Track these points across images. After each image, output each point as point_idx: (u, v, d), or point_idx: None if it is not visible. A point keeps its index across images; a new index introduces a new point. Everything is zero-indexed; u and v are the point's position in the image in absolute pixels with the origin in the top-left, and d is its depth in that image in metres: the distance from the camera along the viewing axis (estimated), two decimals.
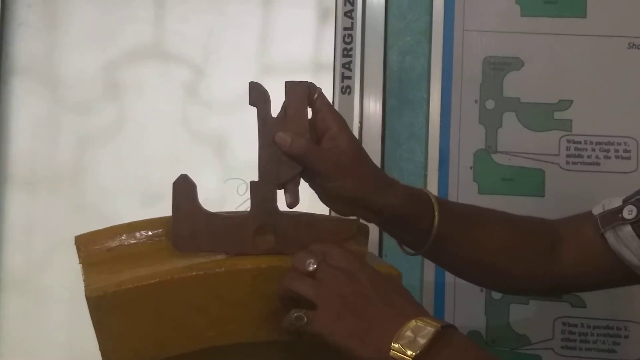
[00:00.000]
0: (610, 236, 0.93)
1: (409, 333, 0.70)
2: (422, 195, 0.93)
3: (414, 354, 0.68)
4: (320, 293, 0.75)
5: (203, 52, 1.64)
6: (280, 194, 0.86)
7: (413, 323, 0.71)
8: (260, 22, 1.63)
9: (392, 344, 0.70)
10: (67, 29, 1.66)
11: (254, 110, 0.85)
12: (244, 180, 1.57)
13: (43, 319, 1.65)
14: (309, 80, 0.88)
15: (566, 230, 0.99)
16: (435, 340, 0.69)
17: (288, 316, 0.75)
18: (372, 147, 1.47)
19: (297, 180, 0.86)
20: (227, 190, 1.58)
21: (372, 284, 0.76)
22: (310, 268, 0.77)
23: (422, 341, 0.69)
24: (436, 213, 0.91)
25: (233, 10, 1.64)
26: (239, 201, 1.55)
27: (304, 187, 0.88)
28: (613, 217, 0.93)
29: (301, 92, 0.86)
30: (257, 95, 0.85)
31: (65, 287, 1.61)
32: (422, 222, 0.91)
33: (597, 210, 0.96)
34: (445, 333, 0.71)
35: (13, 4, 1.65)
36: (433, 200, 0.92)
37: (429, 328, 0.70)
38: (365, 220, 0.92)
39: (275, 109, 0.86)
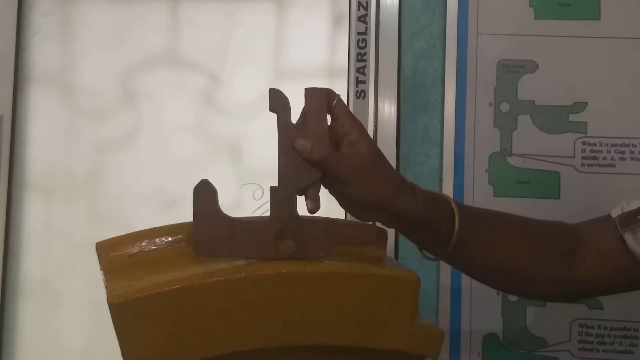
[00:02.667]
0: (629, 237, 0.93)
1: None
2: (442, 200, 0.93)
3: None
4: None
5: (218, 58, 1.65)
6: (300, 199, 0.87)
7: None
8: (275, 28, 1.64)
9: None
10: (83, 37, 1.67)
11: (270, 115, 0.86)
12: (259, 185, 1.57)
13: (60, 325, 1.65)
14: (324, 86, 0.88)
15: (586, 233, 0.98)
16: None
17: None
18: (387, 151, 1.44)
19: (317, 185, 0.87)
20: (243, 195, 1.59)
21: None
22: None
23: None
24: (456, 218, 0.91)
25: (247, 17, 1.64)
26: (255, 206, 1.56)
27: (321, 192, 0.88)
28: (632, 219, 0.93)
29: (320, 99, 0.87)
30: (277, 101, 0.85)
31: (82, 293, 1.62)
32: (442, 227, 0.91)
33: (615, 213, 0.96)
34: None
35: (29, 13, 1.66)
36: (453, 205, 0.92)
37: None
38: (386, 225, 0.92)
39: (292, 115, 0.87)
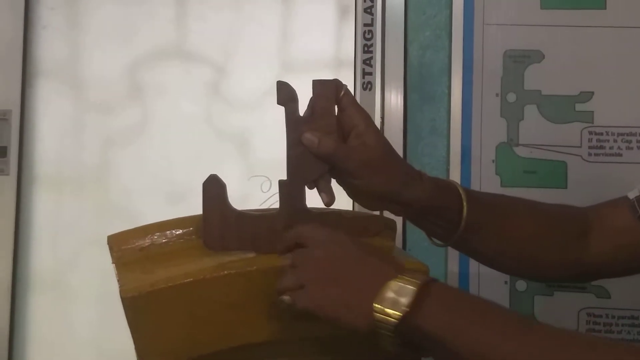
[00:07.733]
0: None
1: (390, 294, 0.71)
2: (449, 187, 0.93)
3: (399, 314, 0.69)
4: (299, 276, 0.77)
5: (224, 50, 1.65)
6: (310, 192, 0.87)
7: (393, 283, 0.71)
8: (281, 20, 1.63)
9: (374, 305, 0.71)
10: (90, 31, 1.67)
11: (277, 107, 0.86)
12: (267, 178, 1.58)
13: (71, 319, 1.66)
14: (332, 78, 0.88)
15: (598, 216, 0.98)
16: (418, 299, 0.70)
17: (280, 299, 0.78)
18: (394, 143, 1.42)
19: (327, 178, 0.87)
20: (250, 188, 1.59)
21: (344, 249, 0.78)
22: (288, 262, 0.79)
23: (404, 300, 0.70)
24: (464, 204, 0.91)
25: (253, 9, 1.64)
26: (263, 198, 1.56)
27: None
28: None
29: (329, 91, 0.87)
30: (285, 94, 0.86)
31: (92, 286, 1.63)
32: (450, 213, 0.91)
33: (633, 194, 0.95)
34: (428, 289, 0.71)
35: (36, 7, 1.67)
36: (461, 191, 0.92)
37: (409, 287, 0.70)
38: (394, 213, 0.93)
39: (299, 107, 0.87)
